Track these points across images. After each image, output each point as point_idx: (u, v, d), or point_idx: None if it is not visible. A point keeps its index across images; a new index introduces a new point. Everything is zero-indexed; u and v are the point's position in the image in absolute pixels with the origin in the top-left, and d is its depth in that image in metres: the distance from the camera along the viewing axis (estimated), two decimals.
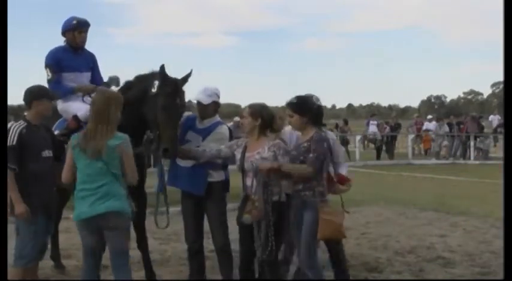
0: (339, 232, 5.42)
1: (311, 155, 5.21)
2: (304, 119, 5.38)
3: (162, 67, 5.47)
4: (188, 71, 5.75)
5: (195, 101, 5.88)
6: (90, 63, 6.69)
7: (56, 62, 6.36)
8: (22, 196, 5.05)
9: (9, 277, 5.15)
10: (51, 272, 6.69)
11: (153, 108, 5.48)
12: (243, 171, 5.48)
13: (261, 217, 5.27)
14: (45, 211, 5.20)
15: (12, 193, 5.02)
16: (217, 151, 5.60)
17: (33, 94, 5.25)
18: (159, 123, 5.44)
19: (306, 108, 5.42)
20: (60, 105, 6.38)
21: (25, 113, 5.31)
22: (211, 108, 5.88)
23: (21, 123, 5.17)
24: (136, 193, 5.93)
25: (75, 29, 6.42)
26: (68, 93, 6.29)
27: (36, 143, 5.17)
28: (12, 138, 5.03)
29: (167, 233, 8.16)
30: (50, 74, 6.38)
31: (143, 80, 5.73)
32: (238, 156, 5.52)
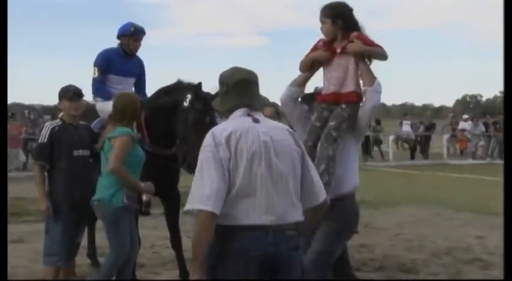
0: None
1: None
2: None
3: (199, 85, 5.49)
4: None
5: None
6: (138, 70, 6.76)
7: (106, 63, 6.44)
8: (52, 193, 5.15)
9: (43, 276, 5.26)
10: (88, 270, 6.76)
11: (183, 121, 5.53)
12: None
13: None
14: (75, 210, 5.23)
15: (39, 188, 5.14)
16: None
17: (59, 95, 5.38)
18: (187, 138, 5.48)
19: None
20: (99, 105, 6.47)
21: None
22: None
23: (56, 122, 5.32)
24: (170, 193, 5.99)
25: (131, 36, 6.49)
26: (108, 98, 6.35)
27: (69, 141, 5.23)
28: (43, 136, 5.17)
29: None
30: (96, 73, 6.46)
31: (176, 91, 5.78)
32: None
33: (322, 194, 3.40)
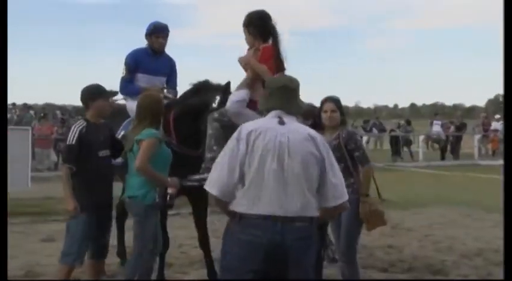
0: (383, 220, 5.47)
1: (356, 153, 5.38)
2: (341, 117, 5.54)
3: (228, 84, 5.50)
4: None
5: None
6: (167, 68, 6.80)
7: (134, 62, 6.50)
8: (75, 193, 5.15)
9: (59, 275, 5.28)
10: (118, 269, 6.81)
11: (212, 122, 5.56)
12: None
13: None
14: (97, 210, 5.25)
15: (66, 189, 5.15)
16: None
17: (89, 94, 5.35)
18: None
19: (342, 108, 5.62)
20: (129, 104, 6.52)
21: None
22: None
23: (81, 123, 5.28)
24: (197, 193, 6.01)
25: (152, 34, 6.56)
26: (135, 94, 6.41)
27: (95, 142, 5.24)
28: (71, 138, 5.15)
29: None
30: (125, 72, 6.54)
31: (205, 91, 5.80)
32: None
33: (339, 198, 3.70)
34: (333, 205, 3.70)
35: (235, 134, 3.66)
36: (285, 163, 3.54)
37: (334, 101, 5.56)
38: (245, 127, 3.66)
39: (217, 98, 5.60)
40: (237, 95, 5.44)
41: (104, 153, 5.30)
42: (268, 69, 5.29)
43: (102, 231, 5.42)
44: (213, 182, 3.62)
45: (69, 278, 5.31)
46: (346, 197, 3.75)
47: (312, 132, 3.77)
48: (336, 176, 3.70)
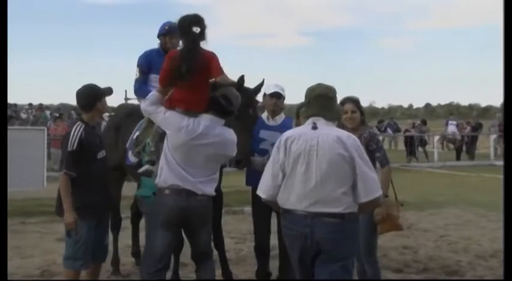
0: (396, 225, 5.44)
1: (377, 154, 5.41)
2: (361, 118, 5.58)
3: (242, 78, 5.49)
4: (260, 79, 5.87)
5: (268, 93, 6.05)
6: None
7: (147, 63, 6.48)
8: (76, 198, 5.05)
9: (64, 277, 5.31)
10: (133, 269, 6.84)
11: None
12: None
13: None
14: (96, 213, 5.21)
15: (66, 200, 5.02)
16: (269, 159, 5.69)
17: (90, 95, 5.24)
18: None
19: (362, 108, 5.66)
20: (143, 105, 6.52)
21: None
22: (282, 103, 6.14)
23: (80, 126, 5.16)
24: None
25: (167, 34, 6.53)
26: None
27: (93, 145, 5.18)
28: (72, 143, 5.03)
29: (243, 233, 8.25)
30: (138, 74, 6.53)
31: (218, 88, 5.75)
32: None
33: (371, 193, 4.02)
34: (365, 200, 4.01)
35: (276, 143, 4.23)
36: (314, 164, 3.99)
37: (354, 101, 5.55)
38: (284, 135, 4.20)
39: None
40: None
41: (101, 155, 5.25)
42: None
43: (102, 234, 5.39)
44: (260, 187, 4.26)
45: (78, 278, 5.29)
46: (378, 193, 4.07)
47: (343, 134, 4.11)
48: (367, 173, 4.02)
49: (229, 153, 5.00)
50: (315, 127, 4.12)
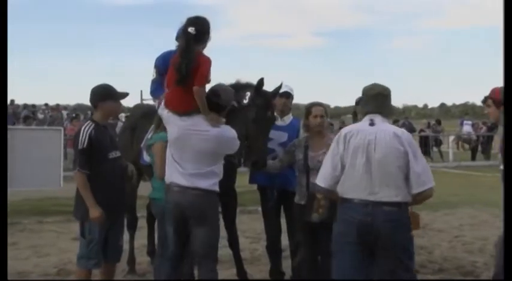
0: (417, 224, 5.43)
1: None
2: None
3: (261, 80, 5.49)
4: (278, 82, 5.89)
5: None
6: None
7: (164, 64, 6.42)
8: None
9: (77, 278, 5.32)
10: (148, 268, 6.86)
11: (244, 119, 5.51)
12: (307, 170, 5.48)
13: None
14: (111, 213, 5.18)
15: (87, 197, 5.01)
16: (280, 162, 5.73)
17: (98, 95, 5.24)
18: (249, 135, 5.47)
19: None
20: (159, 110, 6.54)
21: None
22: (291, 102, 6.22)
23: (90, 125, 5.15)
24: (226, 192, 6.03)
25: None
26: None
27: (104, 144, 5.15)
28: (83, 142, 5.02)
29: (257, 232, 8.24)
30: (155, 74, 6.53)
31: (236, 89, 5.74)
32: (300, 156, 5.56)
33: (422, 185, 4.29)
34: (416, 191, 4.28)
35: (336, 137, 4.48)
36: (372, 157, 4.25)
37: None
38: (343, 131, 4.46)
39: (248, 95, 5.58)
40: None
41: (113, 154, 5.22)
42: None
43: (116, 233, 5.40)
44: (320, 177, 4.46)
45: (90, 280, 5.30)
46: (429, 185, 4.33)
47: (398, 130, 4.42)
48: (419, 167, 4.28)
49: (225, 150, 4.97)
50: (372, 124, 4.39)
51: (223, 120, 4.97)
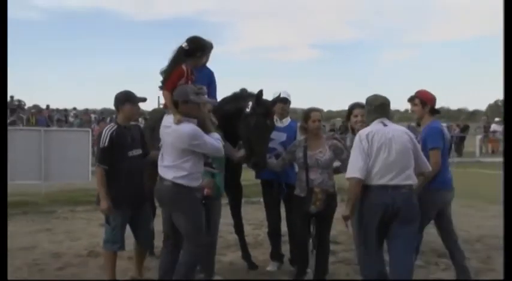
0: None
1: None
2: None
3: (261, 92, 5.51)
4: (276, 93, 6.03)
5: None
6: (207, 80, 6.69)
7: None
8: (110, 190, 5.09)
9: (108, 261, 5.32)
10: None
11: (246, 125, 5.50)
12: (306, 167, 5.52)
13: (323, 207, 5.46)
14: (131, 205, 5.22)
15: (100, 190, 5.07)
16: (283, 160, 5.75)
17: (118, 100, 5.26)
18: (251, 139, 5.45)
19: None
20: None
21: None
22: (288, 107, 6.26)
23: (112, 127, 5.18)
24: (233, 185, 6.05)
25: None
26: None
27: (125, 144, 5.13)
28: (104, 141, 5.05)
29: (260, 220, 8.26)
30: None
31: (240, 99, 5.74)
32: (300, 154, 5.58)
33: (427, 167, 5.05)
34: (426, 170, 5.06)
35: (357, 138, 4.81)
36: (392, 151, 4.68)
37: (363, 107, 5.48)
38: (364, 132, 4.80)
39: (250, 104, 5.59)
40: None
41: (133, 153, 5.20)
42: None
43: (142, 221, 5.41)
44: (354, 170, 4.70)
45: (115, 261, 5.36)
46: (430, 168, 5.06)
47: (405, 129, 4.95)
48: (420, 153, 4.95)
49: (180, 143, 4.78)
50: (385, 125, 4.84)
51: (180, 117, 4.85)
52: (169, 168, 4.78)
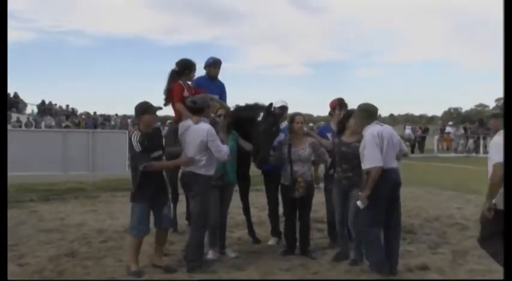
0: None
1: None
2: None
3: (270, 105, 5.52)
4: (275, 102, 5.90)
5: (277, 107, 6.02)
6: (219, 90, 6.66)
7: (196, 86, 6.39)
8: (138, 185, 4.83)
9: (131, 245, 4.99)
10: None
11: (257, 130, 5.49)
12: (290, 161, 5.50)
13: (304, 193, 5.47)
14: (152, 198, 4.93)
15: (168, 164, 5.18)
16: (274, 156, 5.64)
17: (137, 111, 4.93)
18: (260, 142, 5.46)
19: None
20: None
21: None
22: (286, 113, 6.18)
23: (137, 134, 4.84)
24: (243, 176, 5.99)
25: (211, 66, 6.51)
26: None
27: (148, 147, 4.83)
28: (137, 147, 4.77)
29: (262, 204, 8.20)
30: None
31: (253, 109, 5.73)
32: (285, 150, 5.56)
33: (405, 153, 5.33)
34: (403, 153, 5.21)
35: (369, 136, 4.83)
36: (393, 143, 4.91)
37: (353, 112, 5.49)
38: (372, 131, 4.86)
39: (261, 114, 5.56)
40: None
41: (155, 154, 4.92)
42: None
43: (161, 210, 5.02)
44: (375, 161, 4.76)
45: (139, 249, 5.02)
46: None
47: (391, 127, 5.12)
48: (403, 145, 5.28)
49: (200, 137, 4.91)
50: (381, 125, 4.99)
51: (199, 118, 5.01)
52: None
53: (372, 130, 4.86)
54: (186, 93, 5.84)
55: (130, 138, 4.91)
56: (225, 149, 5.00)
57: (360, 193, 4.88)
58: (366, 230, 4.90)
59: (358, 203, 4.84)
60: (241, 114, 5.77)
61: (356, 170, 5.18)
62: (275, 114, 5.63)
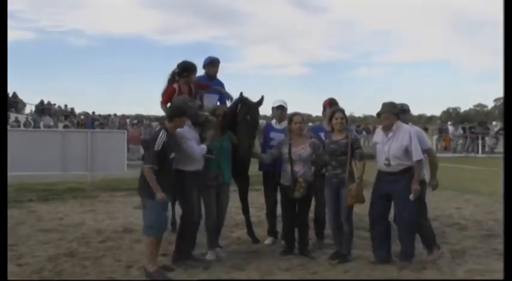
0: (363, 199, 5.39)
1: (358, 150, 5.36)
2: (346, 124, 5.59)
3: (241, 94, 5.53)
4: (262, 97, 5.80)
5: (275, 106, 6.05)
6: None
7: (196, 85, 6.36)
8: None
9: (145, 246, 4.92)
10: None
11: (237, 123, 5.53)
12: (291, 161, 5.45)
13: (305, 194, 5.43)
14: (170, 195, 5.01)
15: (154, 185, 4.67)
16: (271, 155, 5.62)
17: (174, 112, 4.96)
18: (238, 134, 5.49)
19: None
20: None
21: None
22: (286, 112, 6.11)
23: (164, 134, 4.81)
24: (242, 175, 5.98)
25: (209, 65, 6.50)
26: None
27: (169, 148, 4.85)
28: (159, 145, 4.74)
29: (261, 204, 8.19)
30: None
31: (234, 103, 5.78)
32: (285, 150, 5.50)
33: (417, 157, 5.11)
34: (415, 160, 5.10)
35: (415, 132, 5.19)
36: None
37: (342, 111, 5.50)
38: (415, 128, 5.32)
39: (239, 105, 5.59)
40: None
41: (172, 155, 4.93)
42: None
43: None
44: (421, 154, 5.10)
45: (159, 247, 4.98)
46: (420, 157, 5.10)
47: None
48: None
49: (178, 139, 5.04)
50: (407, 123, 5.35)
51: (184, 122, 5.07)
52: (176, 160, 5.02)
53: (409, 126, 5.25)
54: (175, 96, 5.81)
55: (155, 133, 4.84)
56: (198, 149, 5.09)
57: (412, 187, 5.09)
58: (417, 221, 5.34)
59: (411, 197, 5.09)
60: (228, 111, 5.71)
61: (344, 168, 5.22)
62: (247, 103, 5.55)
